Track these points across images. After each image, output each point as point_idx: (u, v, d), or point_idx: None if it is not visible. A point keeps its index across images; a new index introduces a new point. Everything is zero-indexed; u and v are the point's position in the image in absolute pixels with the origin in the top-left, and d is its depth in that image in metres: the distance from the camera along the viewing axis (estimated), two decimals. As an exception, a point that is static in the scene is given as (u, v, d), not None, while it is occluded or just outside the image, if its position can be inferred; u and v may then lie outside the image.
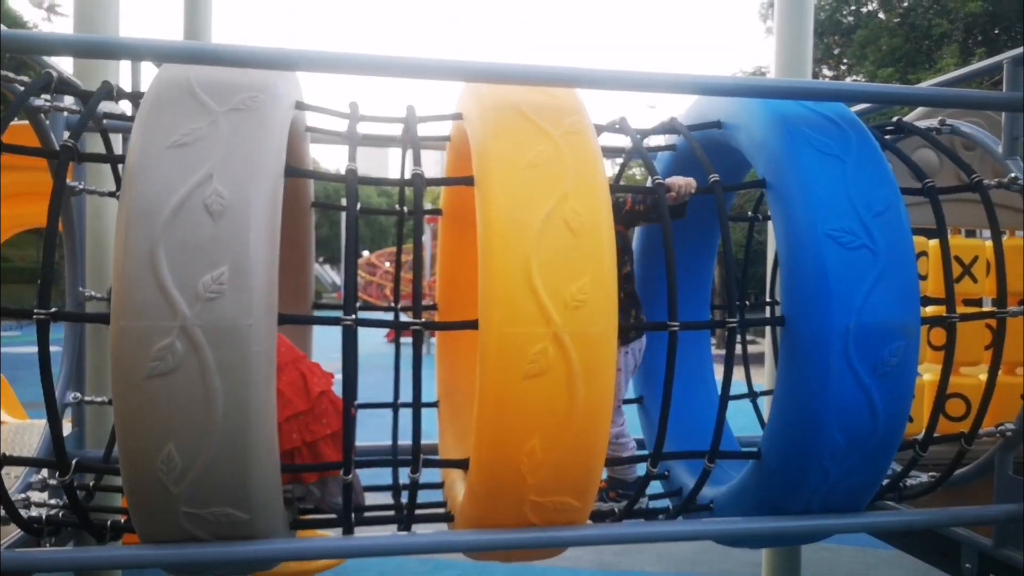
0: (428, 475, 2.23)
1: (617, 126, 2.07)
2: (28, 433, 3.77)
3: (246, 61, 1.68)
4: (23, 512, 1.76)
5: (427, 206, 2.75)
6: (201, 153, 1.52)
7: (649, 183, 2.58)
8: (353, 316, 1.61)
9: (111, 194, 2.37)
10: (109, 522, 1.81)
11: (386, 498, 2.27)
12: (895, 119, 2.34)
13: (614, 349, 1.63)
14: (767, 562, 3.25)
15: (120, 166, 2.31)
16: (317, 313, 2.49)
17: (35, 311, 1.50)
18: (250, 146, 1.56)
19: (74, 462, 1.60)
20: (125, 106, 2.40)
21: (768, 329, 3.07)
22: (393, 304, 2.61)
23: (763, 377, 3.36)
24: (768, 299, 2.93)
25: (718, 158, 2.08)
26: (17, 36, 1.62)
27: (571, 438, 1.62)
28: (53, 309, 1.51)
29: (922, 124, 2.34)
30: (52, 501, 1.98)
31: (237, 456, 1.50)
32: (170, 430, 1.46)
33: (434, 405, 2.67)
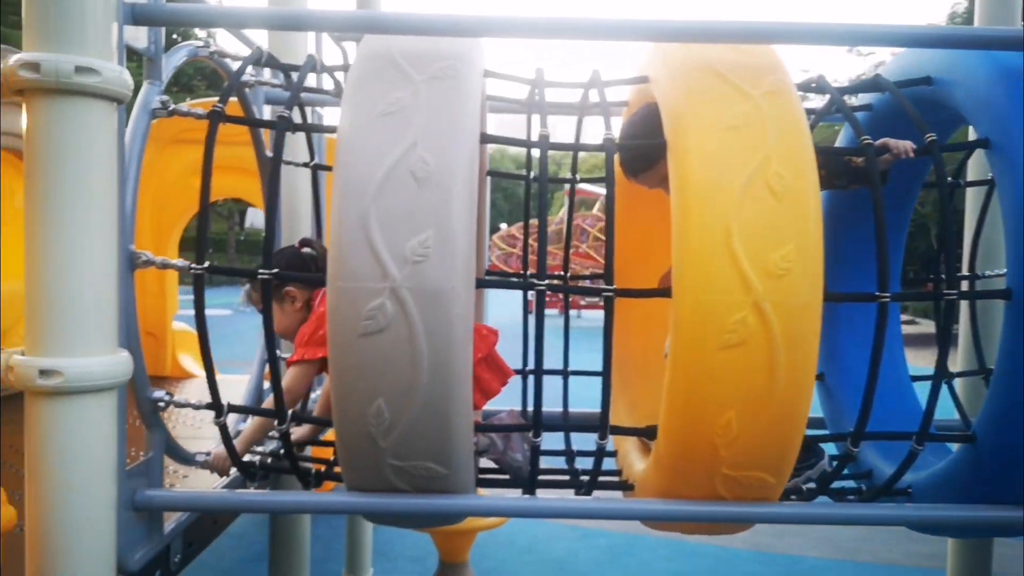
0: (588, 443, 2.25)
1: (814, 84, 1.94)
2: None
3: (435, 29, 1.71)
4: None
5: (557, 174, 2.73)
6: (406, 121, 1.57)
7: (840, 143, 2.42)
8: (546, 280, 1.63)
9: (304, 164, 2.52)
10: (313, 469, 1.96)
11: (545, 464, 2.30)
12: None
13: (818, 320, 1.55)
14: (954, 554, 3.02)
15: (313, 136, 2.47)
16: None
17: (259, 271, 1.62)
18: (450, 113, 1.60)
19: (291, 412, 1.73)
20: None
21: (967, 305, 2.82)
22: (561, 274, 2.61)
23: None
24: (968, 271, 2.69)
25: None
26: (223, 11, 1.73)
27: (770, 412, 1.56)
28: (275, 270, 1.63)
29: None
30: (258, 449, 2.16)
31: (439, 413, 1.56)
32: (380, 386, 1.54)
33: (597, 374, 2.66)
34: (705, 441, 1.59)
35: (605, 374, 1.70)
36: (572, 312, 2.85)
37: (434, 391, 1.55)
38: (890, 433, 1.93)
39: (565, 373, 2.29)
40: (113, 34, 1.40)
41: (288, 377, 2.06)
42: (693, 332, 1.55)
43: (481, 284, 1.62)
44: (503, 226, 20.89)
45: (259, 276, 1.61)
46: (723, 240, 1.52)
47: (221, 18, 1.72)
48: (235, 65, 2.11)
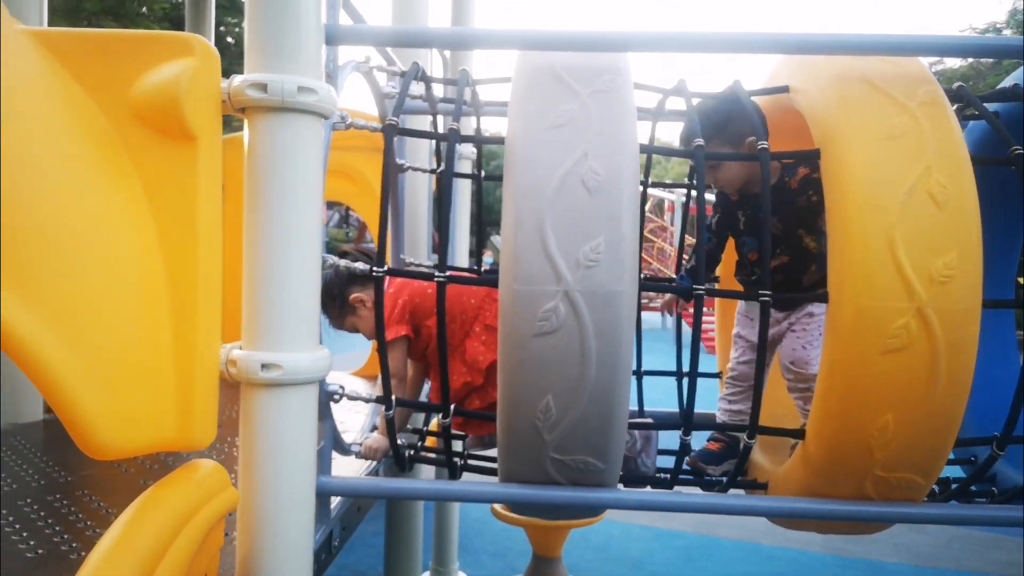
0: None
1: (954, 93, 1.98)
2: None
3: (589, 45, 1.79)
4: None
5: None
6: (575, 133, 1.66)
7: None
8: (704, 286, 1.70)
9: (432, 171, 2.64)
10: (460, 461, 2.06)
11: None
12: None
13: (978, 325, 1.59)
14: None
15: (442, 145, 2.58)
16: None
17: (435, 274, 1.73)
18: (616, 126, 1.68)
19: (452, 407, 1.83)
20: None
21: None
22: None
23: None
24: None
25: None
26: (407, 31, 1.84)
27: (928, 415, 1.61)
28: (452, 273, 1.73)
29: None
30: (399, 441, 2.27)
31: (603, 410, 1.65)
32: (550, 383, 1.63)
33: (716, 376, 2.74)
34: (860, 443, 1.65)
35: (758, 379, 1.76)
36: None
37: (600, 389, 1.63)
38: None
39: (693, 375, 2.34)
40: (322, 55, 1.52)
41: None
42: (853, 337, 1.60)
43: (644, 287, 1.69)
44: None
45: (436, 279, 1.71)
46: (886, 248, 1.57)
47: (405, 37, 1.83)
48: (383, 77, 2.23)
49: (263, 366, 1.43)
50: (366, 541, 4.73)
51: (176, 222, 1.36)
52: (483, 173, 2.58)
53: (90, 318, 1.20)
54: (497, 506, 3.67)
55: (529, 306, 1.61)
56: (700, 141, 1.78)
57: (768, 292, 1.71)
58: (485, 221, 2.72)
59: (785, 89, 1.99)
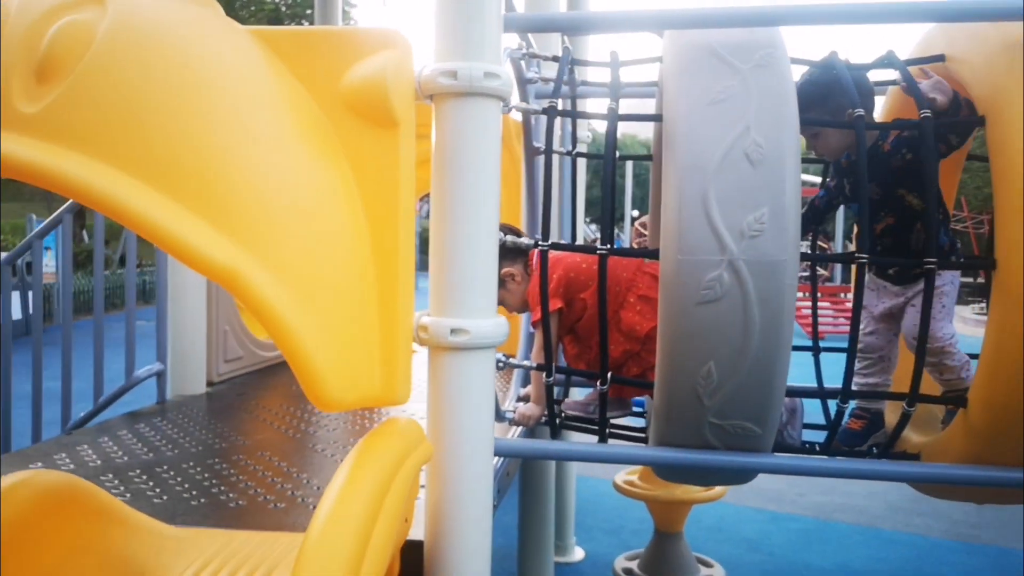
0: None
1: None
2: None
3: (743, 21, 1.83)
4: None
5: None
6: (737, 108, 1.71)
7: None
8: (867, 256, 1.73)
9: (567, 153, 2.73)
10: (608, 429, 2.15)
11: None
12: None
13: None
14: None
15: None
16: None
17: (598, 248, 1.82)
18: (777, 99, 1.72)
19: (609, 376, 1.92)
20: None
21: None
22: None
23: None
24: None
25: None
26: (575, 16, 1.93)
27: (1107, 382, 1.59)
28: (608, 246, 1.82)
29: None
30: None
31: (764, 377, 1.70)
32: (712, 350, 1.69)
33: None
34: (1030, 410, 1.64)
35: (920, 347, 1.77)
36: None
37: (762, 355, 1.68)
38: None
39: (852, 346, 2.33)
40: (502, 42, 1.63)
41: (542, 335, 2.26)
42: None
43: (805, 257, 1.74)
44: (635, 213, 20.60)
45: (598, 252, 1.81)
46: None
47: (573, 23, 1.93)
48: (526, 63, 2.33)
49: (452, 331, 1.56)
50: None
51: (380, 200, 1.50)
52: (618, 154, 2.64)
53: (320, 285, 1.35)
54: (619, 480, 3.76)
55: (693, 275, 1.68)
56: (860, 111, 1.79)
57: (933, 260, 1.72)
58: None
59: (941, 58, 1.98)
